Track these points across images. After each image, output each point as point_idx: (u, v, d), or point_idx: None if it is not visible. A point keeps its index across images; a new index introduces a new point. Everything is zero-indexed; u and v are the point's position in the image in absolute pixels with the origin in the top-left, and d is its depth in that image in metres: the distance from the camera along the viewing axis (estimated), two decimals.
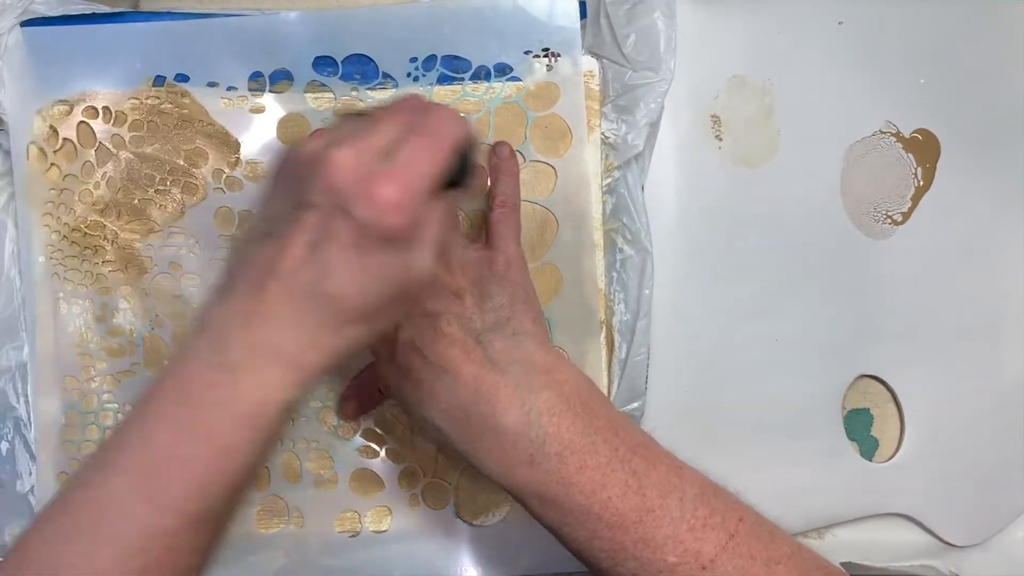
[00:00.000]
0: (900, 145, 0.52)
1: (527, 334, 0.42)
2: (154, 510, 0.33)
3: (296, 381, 0.34)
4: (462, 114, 0.38)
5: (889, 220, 0.52)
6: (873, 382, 0.53)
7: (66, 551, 0.32)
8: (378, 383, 0.48)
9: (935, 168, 0.52)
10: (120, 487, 0.33)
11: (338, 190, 0.33)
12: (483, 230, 0.47)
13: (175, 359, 0.35)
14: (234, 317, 0.34)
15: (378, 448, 0.50)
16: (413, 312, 0.41)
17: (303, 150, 0.35)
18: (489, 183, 0.48)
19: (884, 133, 0.52)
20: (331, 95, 0.50)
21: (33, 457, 0.50)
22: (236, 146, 0.50)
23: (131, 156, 0.50)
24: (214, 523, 0.35)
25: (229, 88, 0.50)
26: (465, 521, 0.50)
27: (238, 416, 0.33)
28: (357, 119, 0.37)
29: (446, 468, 0.50)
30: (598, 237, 0.51)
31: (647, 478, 0.39)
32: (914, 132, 0.52)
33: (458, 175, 0.37)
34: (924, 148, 0.52)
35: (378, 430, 0.50)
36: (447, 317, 0.41)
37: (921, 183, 0.52)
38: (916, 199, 0.52)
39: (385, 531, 0.50)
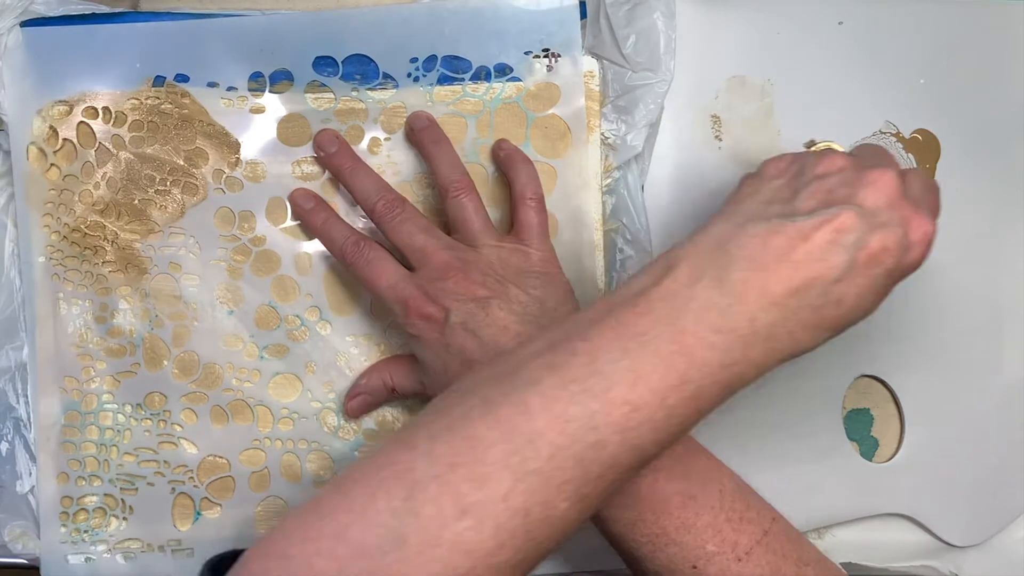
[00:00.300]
0: (900, 145, 0.52)
1: (575, 323, 0.42)
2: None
3: (764, 368, 0.35)
4: None
5: None
6: (873, 382, 0.53)
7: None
8: (387, 380, 0.48)
9: (935, 168, 0.52)
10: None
11: (895, 206, 0.35)
12: (511, 224, 0.48)
13: (655, 302, 0.34)
14: (739, 289, 0.34)
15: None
16: (463, 298, 0.42)
17: (833, 161, 0.37)
18: (508, 174, 0.49)
19: (884, 133, 0.52)
20: (331, 95, 0.50)
21: (33, 457, 0.50)
22: (236, 146, 0.50)
23: (131, 156, 0.50)
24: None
25: (229, 88, 0.50)
26: None
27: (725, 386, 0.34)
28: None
29: None
30: (598, 237, 0.51)
31: (690, 466, 0.40)
32: (914, 132, 0.52)
33: None
34: (924, 148, 0.52)
35: (378, 431, 0.50)
36: (498, 302, 0.42)
37: None
38: None
39: None
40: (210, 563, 0.38)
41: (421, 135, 0.48)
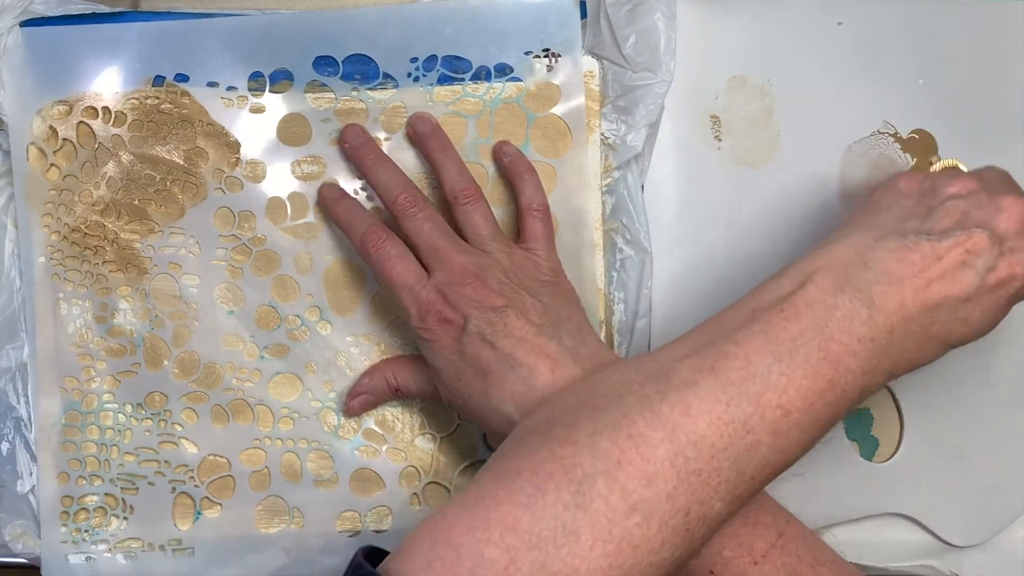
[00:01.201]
0: (898, 145, 0.52)
1: (589, 332, 0.44)
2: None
3: (883, 382, 0.37)
4: None
5: None
6: None
7: None
8: (391, 381, 0.48)
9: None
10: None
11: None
12: (517, 233, 0.48)
13: (806, 305, 0.36)
14: (871, 298, 0.36)
15: (378, 448, 0.50)
16: (481, 306, 0.42)
17: (994, 184, 0.40)
18: (513, 184, 0.49)
19: (882, 133, 0.52)
20: (331, 95, 0.50)
21: (33, 457, 0.50)
22: (236, 146, 0.50)
23: (131, 156, 0.50)
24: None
25: (229, 88, 0.50)
26: None
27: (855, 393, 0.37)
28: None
29: (446, 468, 0.50)
30: (598, 237, 0.51)
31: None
32: (912, 132, 0.52)
33: None
34: (922, 148, 0.52)
35: (378, 430, 0.50)
36: (514, 312, 0.42)
37: None
38: None
39: (386, 531, 0.50)
40: (363, 550, 0.37)
41: (427, 141, 0.48)
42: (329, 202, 0.49)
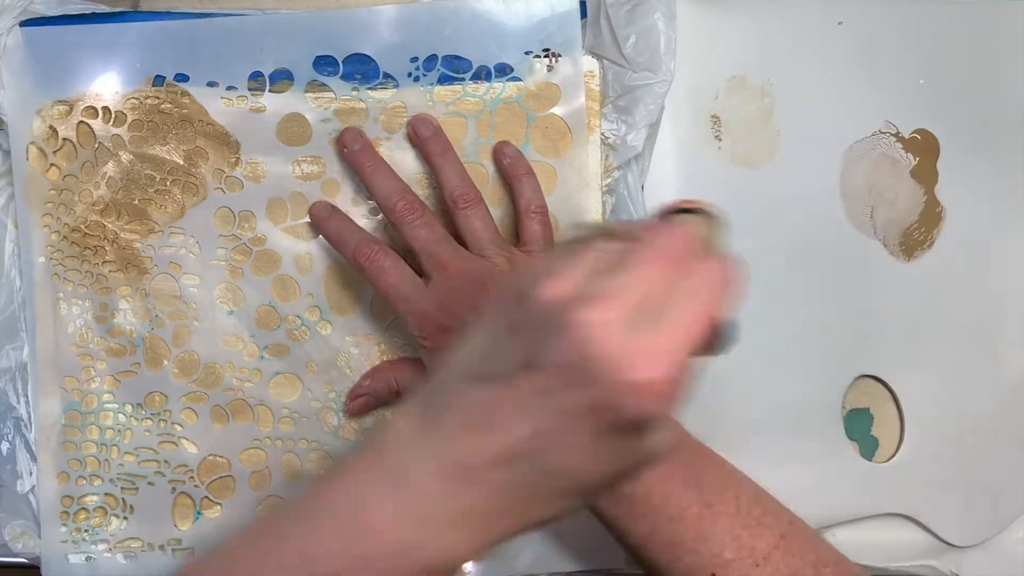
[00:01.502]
0: (900, 145, 0.52)
1: None
2: None
3: (483, 546, 0.31)
4: (725, 260, 0.31)
5: None
6: (873, 382, 0.53)
7: None
8: (392, 383, 0.49)
9: (935, 168, 0.52)
10: None
11: (589, 361, 0.28)
12: (516, 235, 0.48)
13: (350, 471, 0.32)
14: (433, 465, 0.30)
15: None
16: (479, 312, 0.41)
17: (550, 290, 0.29)
18: (512, 186, 0.49)
19: (884, 133, 0.52)
20: (332, 95, 0.50)
21: (33, 457, 0.50)
22: (236, 146, 0.50)
23: (131, 156, 0.50)
24: None
25: (229, 88, 0.50)
26: None
27: (416, 571, 0.31)
28: (607, 239, 0.31)
29: None
30: None
31: (706, 475, 0.40)
32: (913, 132, 0.52)
33: (729, 340, 0.31)
34: (924, 148, 0.52)
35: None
36: None
37: (921, 183, 0.52)
38: None
39: None
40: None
41: (427, 144, 0.48)
42: (319, 221, 0.49)
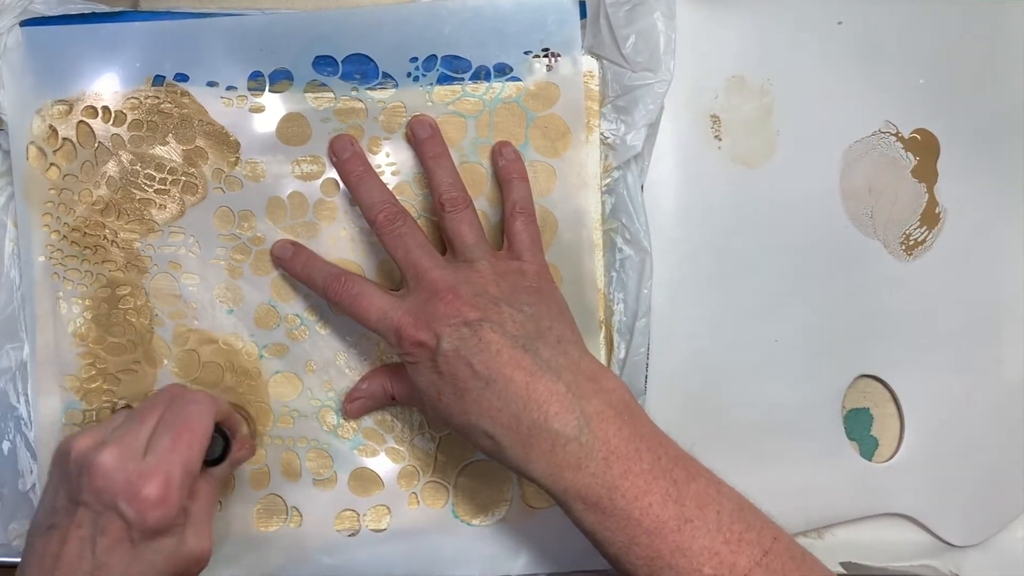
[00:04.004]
0: (900, 145, 0.52)
1: (570, 342, 0.43)
2: None
3: None
4: (206, 399, 0.43)
5: None
6: (873, 382, 0.53)
7: None
8: (388, 388, 0.49)
9: (935, 168, 0.52)
10: None
11: (104, 492, 0.38)
12: (503, 238, 0.48)
13: None
14: None
15: (377, 447, 0.50)
16: (454, 322, 0.42)
17: (75, 447, 0.40)
18: (502, 188, 0.49)
19: (884, 133, 0.52)
20: (331, 94, 0.50)
21: (34, 456, 0.50)
22: (235, 146, 0.50)
23: (131, 156, 0.50)
24: None
25: (229, 88, 0.50)
26: (463, 521, 0.50)
27: None
28: (126, 411, 0.44)
29: (444, 468, 0.50)
30: (597, 237, 0.51)
31: (687, 489, 0.39)
32: (913, 132, 0.52)
33: (218, 452, 0.44)
34: (924, 148, 0.52)
35: (378, 429, 0.50)
36: (489, 325, 0.42)
37: (921, 183, 0.52)
38: None
39: (384, 530, 0.50)
40: None
41: (423, 146, 0.48)
42: (284, 263, 0.49)
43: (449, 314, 0.42)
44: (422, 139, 0.48)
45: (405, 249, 0.45)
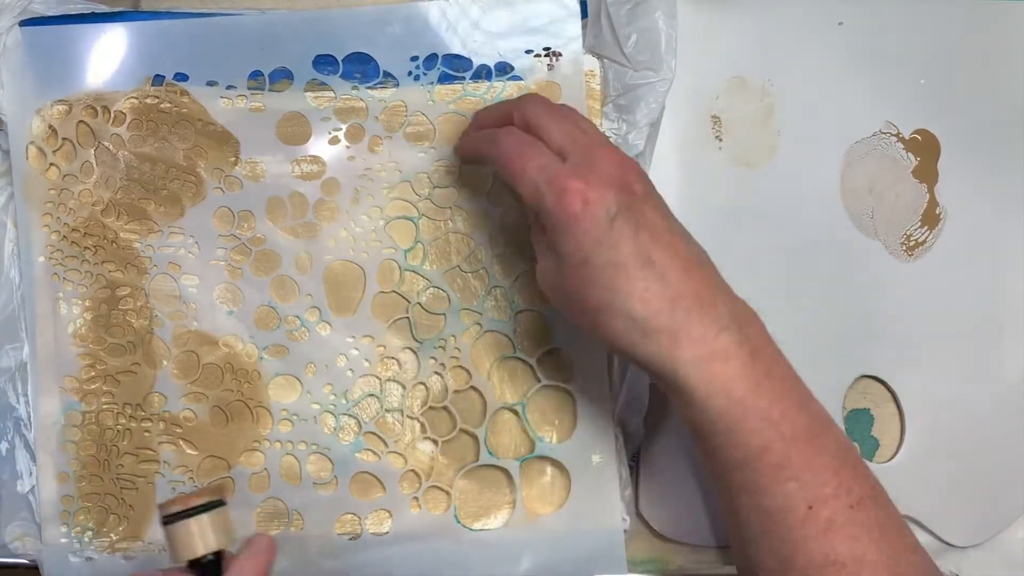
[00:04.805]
0: (900, 145, 0.52)
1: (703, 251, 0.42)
2: None
3: None
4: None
5: None
6: (873, 382, 0.53)
7: None
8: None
9: (936, 168, 0.52)
10: None
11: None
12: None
13: None
14: None
15: (378, 451, 0.50)
16: (623, 189, 0.39)
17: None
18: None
19: (884, 134, 0.52)
20: (331, 94, 0.50)
21: (33, 457, 0.50)
22: (235, 145, 0.50)
23: (130, 156, 0.49)
24: None
25: (228, 87, 0.49)
26: (465, 525, 0.50)
27: None
28: None
29: (446, 472, 0.50)
30: None
31: (812, 404, 0.40)
32: (914, 132, 0.52)
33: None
34: (924, 148, 0.52)
35: (379, 433, 0.50)
36: (652, 203, 0.40)
37: (921, 184, 0.52)
38: None
39: (385, 534, 0.50)
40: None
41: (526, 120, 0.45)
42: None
43: (619, 177, 0.39)
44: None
45: (559, 128, 0.42)
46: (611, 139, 0.49)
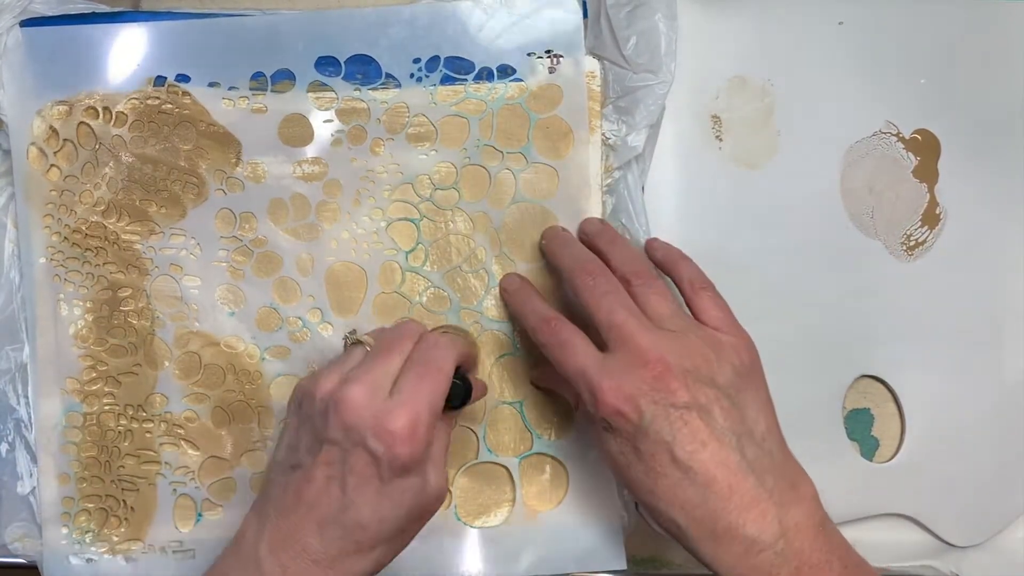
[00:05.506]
0: (901, 145, 0.52)
1: (773, 438, 0.42)
2: None
3: None
4: (458, 334, 0.44)
5: None
6: (873, 382, 0.53)
7: None
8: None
9: (936, 168, 0.52)
10: None
11: (353, 428, 0.39)
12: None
13: (219, 563, 0.41)
14: (268, 543, 0.39)
15: None
16: (661, 401, 0.39)
17: (319, 387, 0.41)
18: (670, 274, 0.46)
19: (884, 133, 0.52)
20: (333, 95, 0.50)
21: (34, 459, 0.50)
22: (237, 147, 0.50)
23: (132, 157, 0.49)
24: None
25: (230, 88, 0.49)
26: (465, 523, 0.50)
27: None
28: (361, 347, 0.43)
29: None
30: None
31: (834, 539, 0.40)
32: (914, 132, 0.52)
33: (460, 395, 0.43)
34: (925, 148, 0.52)
35: None
36: (698, 411, 0.40)
37: (922, 183, 0.52)
38: None
39: None
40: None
41: (596, 240, 0.47)
42: (507, 294, 0.49)
43: (657, 389, 0.39)
44: (595, 233, 0.48)
45: (609, 309, 0.42)
46: (611, 141, 0.50)
